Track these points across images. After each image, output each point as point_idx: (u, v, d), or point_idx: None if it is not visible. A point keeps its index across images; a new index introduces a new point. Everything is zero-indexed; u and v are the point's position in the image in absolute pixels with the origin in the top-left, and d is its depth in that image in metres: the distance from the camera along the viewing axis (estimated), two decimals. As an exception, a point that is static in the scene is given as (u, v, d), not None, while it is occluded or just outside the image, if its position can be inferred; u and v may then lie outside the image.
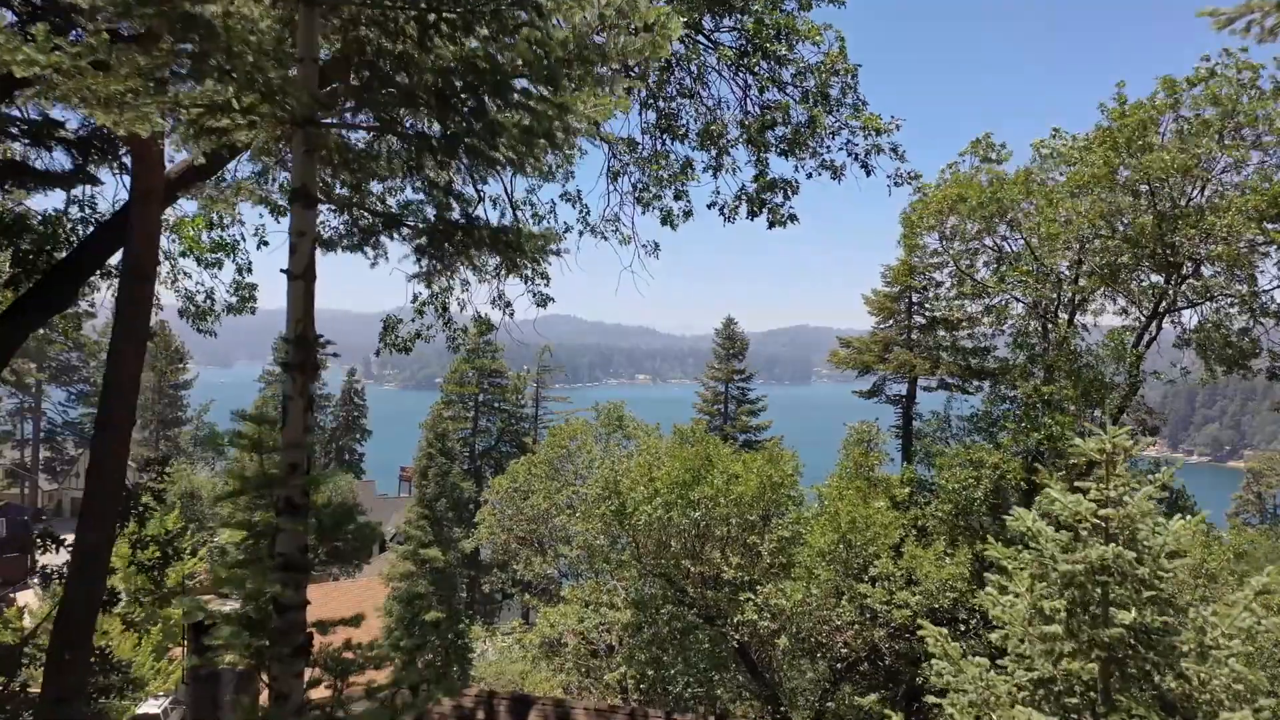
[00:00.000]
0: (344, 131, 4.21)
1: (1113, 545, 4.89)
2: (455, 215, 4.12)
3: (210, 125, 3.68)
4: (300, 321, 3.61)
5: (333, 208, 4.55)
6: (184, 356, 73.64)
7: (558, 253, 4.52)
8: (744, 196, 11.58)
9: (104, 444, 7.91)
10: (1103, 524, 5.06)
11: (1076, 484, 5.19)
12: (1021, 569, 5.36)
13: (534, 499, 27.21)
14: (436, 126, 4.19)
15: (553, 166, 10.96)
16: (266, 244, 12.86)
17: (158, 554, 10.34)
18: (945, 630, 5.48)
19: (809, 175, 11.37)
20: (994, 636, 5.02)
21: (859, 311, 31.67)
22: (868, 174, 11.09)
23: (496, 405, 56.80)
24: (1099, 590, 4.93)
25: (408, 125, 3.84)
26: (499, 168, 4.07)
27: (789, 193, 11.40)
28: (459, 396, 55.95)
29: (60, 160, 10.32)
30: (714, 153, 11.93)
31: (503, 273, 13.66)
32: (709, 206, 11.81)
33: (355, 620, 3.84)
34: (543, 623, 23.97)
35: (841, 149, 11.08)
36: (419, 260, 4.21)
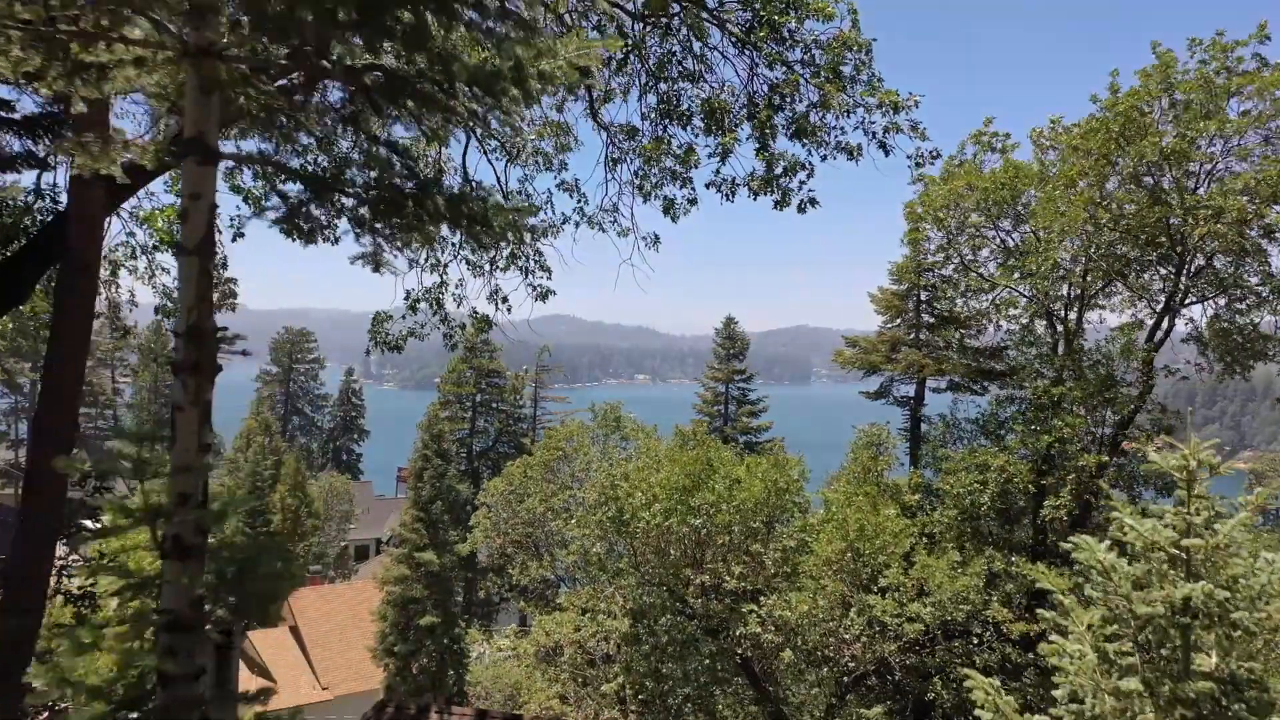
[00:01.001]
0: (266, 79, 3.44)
1: (1202, 583, 4.12)
2: (402, 180, 3.36)
3: (85, 59, 2.91)
4: (194, 309, 2.84)
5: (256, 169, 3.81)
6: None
7: (533, 229, 3.77)
8: (752, 180, 10.82)
9: (42, 450, 7.12)
10: (1183, 556, 4.29)
11: (1150, 508, 4.42)
12: (1081, 605, 4.58)
13: (529, 502, 26.48)
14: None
15: (535, 137, 10.16)
16: (243, 235, 12.09)
17: (90, 582, 9.32)
18: (996, 682, 4.71)
19: (823, 158, 10.62)
20: (1058, 694, 4.27)
21: (859, 312, 31.03)
22: (886, 154, 10.34)
23: (494, 405, 56.09)
24: (1179, 635, 4.16)
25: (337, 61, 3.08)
26: (458, 122, 3.30)
27: (805, 174, 10.64)
28: (456, 397, 55.23)
29: (10, 143, 9.59)
30: (720, 136, 11.18)
31: (499, 266, 12.99)
32: (707, 186, 11.05)
33: (264, 694, 3.07)
34: (538, 631, 23.25)
35: (857, 128, 10.32)
36: (359, 237, 3.44)
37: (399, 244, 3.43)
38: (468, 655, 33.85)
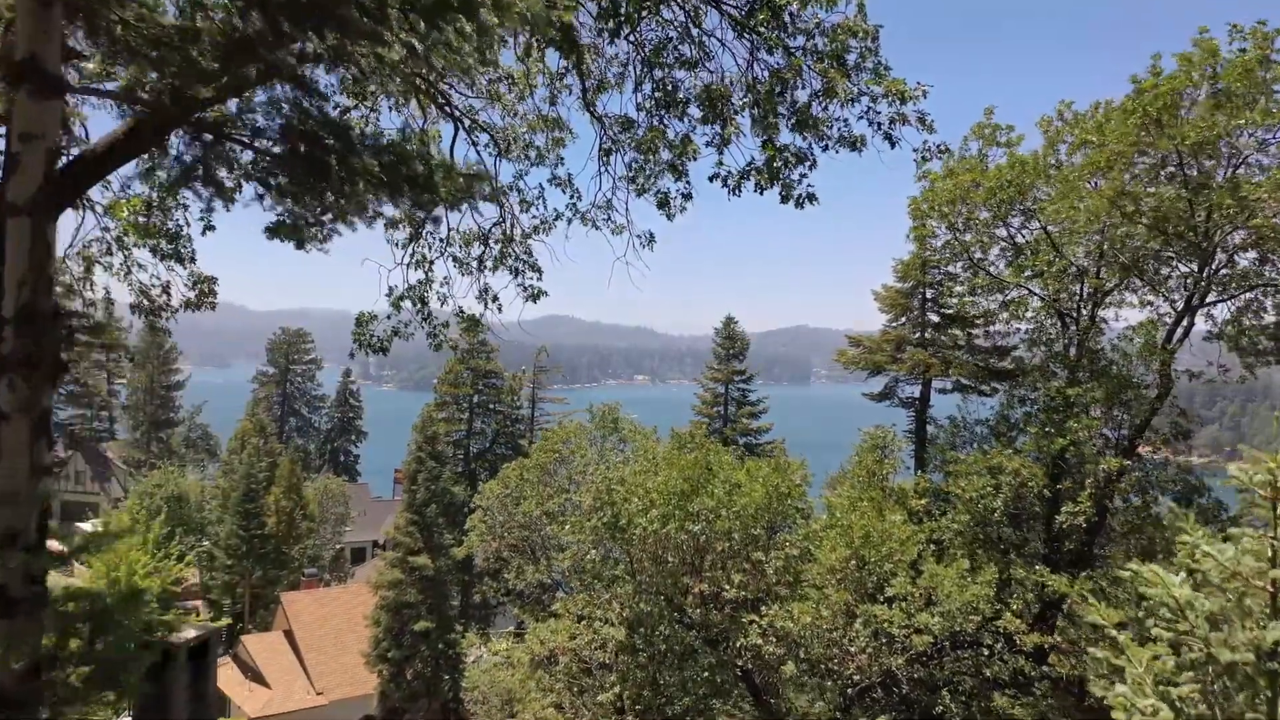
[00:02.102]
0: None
1: (1300, 625, 3.48)
2: (320, 132, 2.70)
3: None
4: (25, 285, 2.18)
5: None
6: (175, 356, 72.63)
7: (491, 199, 3.13)
8: (753, 170, 10.18)
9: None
10: (1269, 589, 3.65)
11: (1230, 530, 3.80)
12: (1135, 641, 3.94)
13: (525, 505, 25.85)
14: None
15: (526, 130, 9.49)
16: (213, 229, 11.40)
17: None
18: None
19: (825, 149, 9.97)
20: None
21: (859, 311, 30.46)
22: (892, 146, 9.67)
23: (492, 407, 55.46)
24: (1266, 683, 3.53)
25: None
26: (394, 63, 2.65)
27: (807, 167, 10.01)
28: (453, 398, 54.64)
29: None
30: (719, 125, 10.54)
31: (488, 266, 12.37)
32: (711, 179, 10.39)
33: None
34: (533, 639, 22.62)
35: (861, 118, 9.67)
36: (270, 203, 2.80)
37: (327, 214, 2.79)
38: (463, 660, 33.19)
